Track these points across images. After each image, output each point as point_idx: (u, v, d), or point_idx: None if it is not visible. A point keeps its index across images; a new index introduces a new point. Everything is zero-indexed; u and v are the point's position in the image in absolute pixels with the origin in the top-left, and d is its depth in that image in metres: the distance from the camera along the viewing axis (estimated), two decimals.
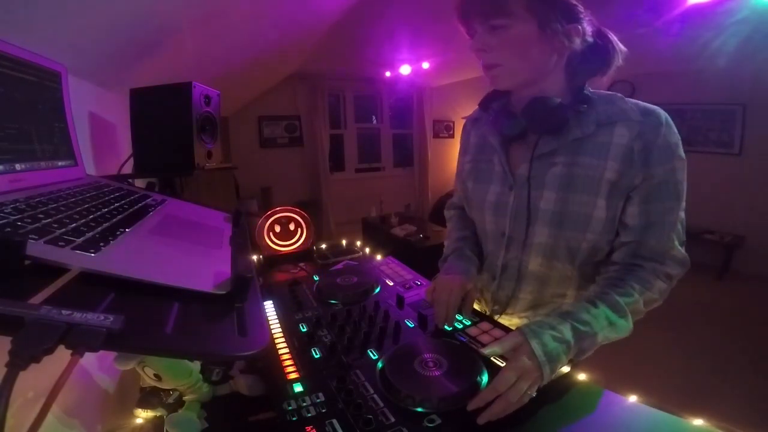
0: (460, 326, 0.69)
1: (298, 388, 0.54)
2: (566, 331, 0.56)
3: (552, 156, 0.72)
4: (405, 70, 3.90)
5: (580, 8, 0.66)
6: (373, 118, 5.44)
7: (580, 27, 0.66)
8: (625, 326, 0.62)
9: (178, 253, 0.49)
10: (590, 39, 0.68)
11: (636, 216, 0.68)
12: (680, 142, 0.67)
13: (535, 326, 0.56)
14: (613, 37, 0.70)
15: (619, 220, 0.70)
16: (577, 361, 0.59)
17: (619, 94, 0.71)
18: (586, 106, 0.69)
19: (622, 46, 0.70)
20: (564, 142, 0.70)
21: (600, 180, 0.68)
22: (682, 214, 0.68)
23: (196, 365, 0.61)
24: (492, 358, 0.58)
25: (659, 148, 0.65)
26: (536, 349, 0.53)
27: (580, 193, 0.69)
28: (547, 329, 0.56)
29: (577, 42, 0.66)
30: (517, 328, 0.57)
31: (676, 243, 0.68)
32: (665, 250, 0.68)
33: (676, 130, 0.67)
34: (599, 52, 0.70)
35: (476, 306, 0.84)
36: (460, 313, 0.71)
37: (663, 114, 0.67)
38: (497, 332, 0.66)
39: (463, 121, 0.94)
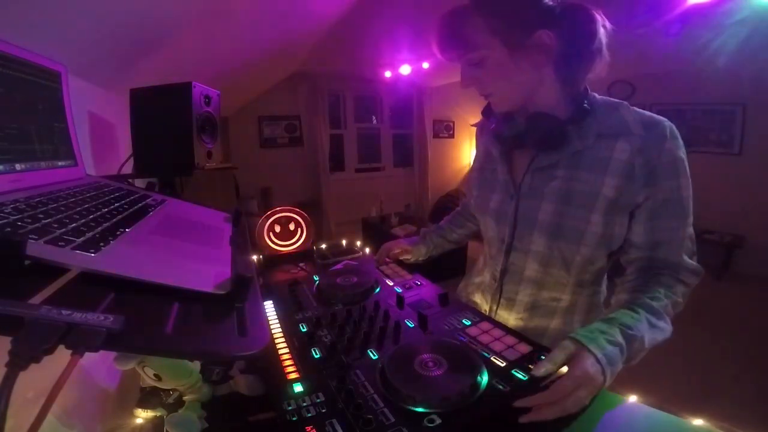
0: (461, 326, 0.69)
1: (298, 388, 0.53)
2: (617, 334, 0.54)
3: (552, 169, 0.72)
4: (405, 70, 3.89)
5: (541, 7, 0.62)
6: (373, 118, 5.44)
7: (549, 32, 0.62)
8: (665, 327, 0.61)
9: (178, 253, 0.49)
10: (564, 38, 0.63)
11: (642, 234, 0.68)
12: (685, 157, 0.65)
13: (585, 332, 0.53)
14: (586, 7, 0.64)
15: (626, 238, 0.70)
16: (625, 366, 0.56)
17: (625, 102, 0.69)
18: (587, 119, 0.68)
19: (597, 15, 0.64)
20: (564, 154, 0.70)
21: (597, 195, 0.67)
22: (690, 230, 0.67)
23: (196, 365, 0.61)
24: (492, 359, 0.58)
25: (663, 166, 0.63)
26: (597, 353, 0.50)
27: (576, 207, 0.69)
28: (598, 333, 0.53)
29: (553, 47, 0.63)
30: (567, 338, 0.53)
31: (685, 257, 0.67)
32: (676, 262, 0.67)
33: (681, 143, 0.64)
34: (576, 42, 0.64)
35: (477, 302, 0.93)
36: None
37: (668, 126, 0.64)
38: (497, 332, 0.66)
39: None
